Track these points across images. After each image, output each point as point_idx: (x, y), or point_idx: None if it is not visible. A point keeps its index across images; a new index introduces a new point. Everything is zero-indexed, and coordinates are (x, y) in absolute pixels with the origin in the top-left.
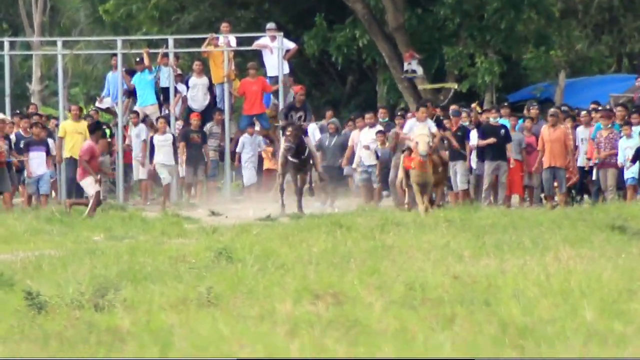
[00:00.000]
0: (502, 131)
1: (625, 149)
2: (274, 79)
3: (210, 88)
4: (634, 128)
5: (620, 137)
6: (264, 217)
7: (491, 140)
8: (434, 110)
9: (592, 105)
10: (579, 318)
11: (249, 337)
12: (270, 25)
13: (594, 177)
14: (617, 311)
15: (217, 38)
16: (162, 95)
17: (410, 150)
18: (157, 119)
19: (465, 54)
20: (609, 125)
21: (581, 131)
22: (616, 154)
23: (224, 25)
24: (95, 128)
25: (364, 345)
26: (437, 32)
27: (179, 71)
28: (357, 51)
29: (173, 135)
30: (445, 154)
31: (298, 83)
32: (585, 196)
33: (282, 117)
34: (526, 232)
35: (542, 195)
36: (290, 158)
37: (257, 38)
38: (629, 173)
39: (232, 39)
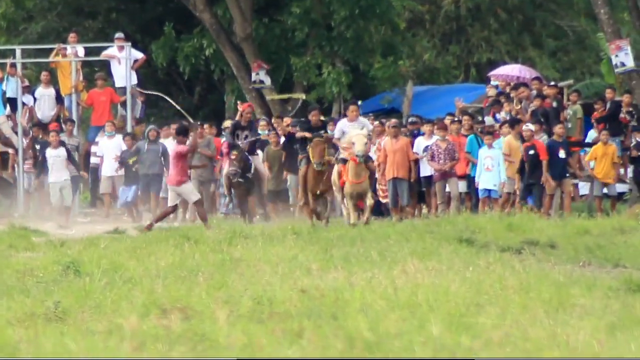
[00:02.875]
0: None
1: (485, 158)
2: (122, 90)
3: (58, 98)
4: (502, 138)
5: (482, 147)
6: (112, 230)
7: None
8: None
9: (448, 117)
10: (426, 332)
11: (96, 352)
12: (118, 35)
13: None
14: (464, 325)
15: (65, 48)
16: (10, 106)
17: (344, 160)
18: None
19: (313, 64)
20: (445, 137)
21: (422, 142)
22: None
23: (71, 36)
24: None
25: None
26: (285, 42)
27: (27, 82)
28: (205, 61)
29: (66, 148)
30: (373, 164)
31: (144, 93)
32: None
33: (228, 137)
34: (374, 244)
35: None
36: (233, 180)
37: (105, 48)
38: (483, 184)
39: (80, 49)
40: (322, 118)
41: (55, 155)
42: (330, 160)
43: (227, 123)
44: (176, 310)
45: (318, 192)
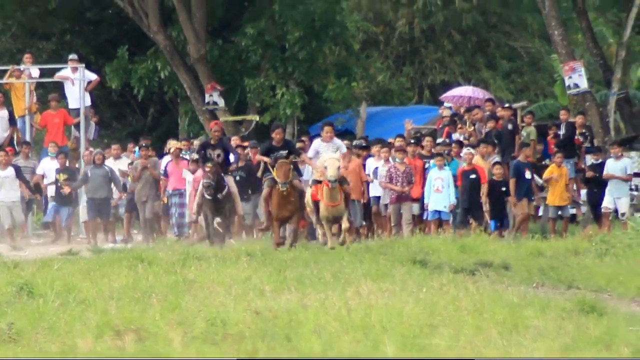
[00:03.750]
0: None
1: (435, 179)
2: (76, 111)
3: (11, 120)
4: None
5: (431, 168)
6: (65, 252)
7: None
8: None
9: (398, 139)
10: (380, 353)
11: None
12: (72, 56)
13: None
14: (418, 346)
15: (19, 69)
16: None
17: (317, 182)
18: None
19: (267, 86)
20: (403, 159)
21: (372, 163)
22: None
23: (26, 57)
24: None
25: None
26: (239, 63)
27: None
28: (158, 83)
29: (15, 166)
30: (348, 187)
31: (97, 114)
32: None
33: (199, 157)
34: (328, 266)
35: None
36: (206, 195)
37: (59, 69)
38: (433, 206)
39: (35, 71)
40: (285, 137)
41: (4, 176)
42: (295, 183)
43: (173, 143)
44: (130, 331)
45: (283, 216)
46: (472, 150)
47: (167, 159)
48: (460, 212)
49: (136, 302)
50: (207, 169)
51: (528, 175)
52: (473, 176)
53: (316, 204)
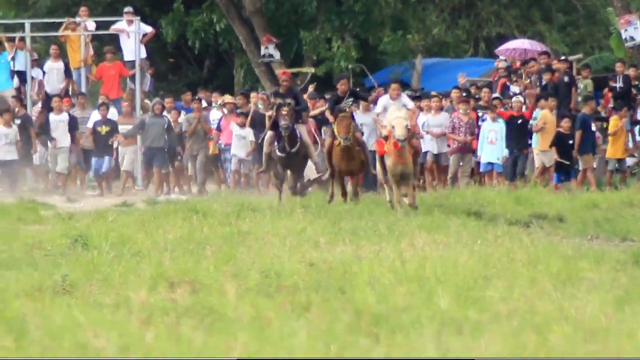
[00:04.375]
0: None
1: (488, 132)
2: (131, 63)
3: (67, 72)
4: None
5: (484, 120)
6: (120, 204)
7: None
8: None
9: (455, 90)
10: (434, 305)
11: (104, 325)
12: (128, 9)
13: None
14: (472, 298)
15: (75, 22)
16: (19, 79)
17: (385, 137)
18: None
19: (322, 38)
20: (467, 110)
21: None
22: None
23: (82, 10)
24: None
25: (219, 333)
26: (295, 16)
27: (36, 56)
28: (214, 35)
29: (69, 114)
30: (417, 141)
31: (152, 67)
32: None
33: (270, 105)
34: (382, 218)
35: None
36: (278, 152)
37: (115, 22)
38: (486, 158)
39: (90, 23)
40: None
41: (58, 120)
42: (357, 136)
43: (228, 98)
44: (184, 283)
45: (346, 169)
46: (520, 98)
47: (218, 113)
48: (509, 161)
49: (190, 254)
50: (284, 112)
51: (594, 127)
52: (520, 121)
53: (382, 159)
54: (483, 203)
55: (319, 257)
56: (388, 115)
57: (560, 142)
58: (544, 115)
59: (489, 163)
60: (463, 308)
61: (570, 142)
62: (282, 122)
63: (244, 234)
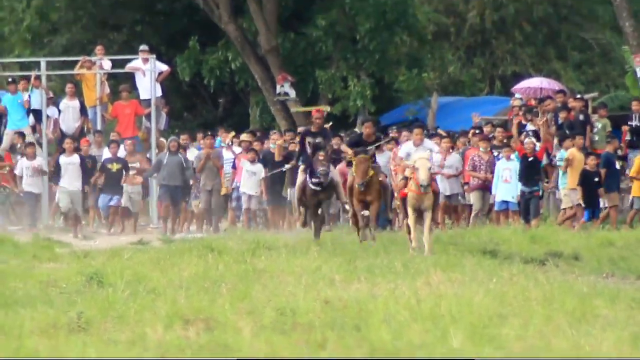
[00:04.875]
0: None
1: (503, 170)
2: (147, 102)
3: (82, 110)
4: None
5: (499, 159)
6: (136, 241)
7: None
8: None
9: (473, 132)
10: (449, 343)
11: None
12: (143, 47)
13: (471, 201)
14: (487, 336)
15: (91, 60)
16: (34, 117)
17: (406, 178)
18: (26, 144)
19: (338, 77)
20: (488, 149)
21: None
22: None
23: (98, 48)
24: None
25: None
26: (311, 54)
27: (51, 94)
28: (229, 74)
29: (81, 156)
30: (435, 184)
31: (168, 105)
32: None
33: (299, 145)
34: (397, 256)
35: None
36: (312, 186)
37: (130, 60)
38: (501, 196)
39: (106, 62)
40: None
41: (68, 162)
42: (382, 180)
43: (244, 136)
44: (199, 321)
45: (366, 199)
46: (534, 139)
47: (229, 152)
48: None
49: (205, 292)
50: (321, 157)
51: (617, 166)
52: (531, 159)
53: (404, 201)
54: (498, 242)
55: (334, 294)
56: (412, 157)
57: (585, 180)
58: (572, 153)
59: (504, 201)
60: (478, 346)
61: (596, 179)
62: (321, 169)
63: (259, 271)
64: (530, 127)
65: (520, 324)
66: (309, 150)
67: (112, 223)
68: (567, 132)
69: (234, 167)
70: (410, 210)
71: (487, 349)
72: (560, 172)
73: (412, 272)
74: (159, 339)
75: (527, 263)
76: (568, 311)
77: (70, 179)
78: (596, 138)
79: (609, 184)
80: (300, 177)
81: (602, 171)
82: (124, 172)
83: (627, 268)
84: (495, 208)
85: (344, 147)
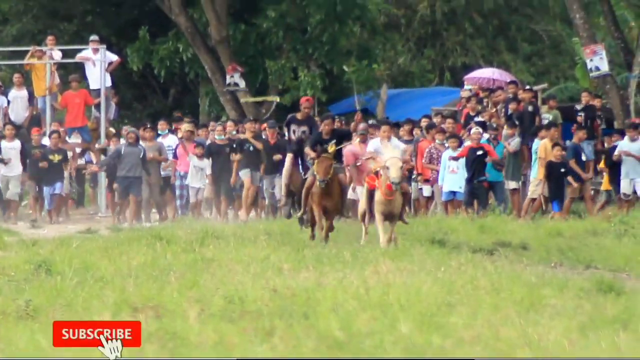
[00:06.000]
0: None
1: (449, 160)
2: (97, 92)
3: (30, 100)
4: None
5: (446, 149)
6: (84, 230)
7: None
8: None
9: (424, 120)
10: (397, 331)
11: (68, 349)
12: (93, 37)
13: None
14: (435, 324)
15: (41, 50)
16: None
17: (376, 173)
18: None
19: (288, 68)
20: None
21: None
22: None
23: (49, 38)
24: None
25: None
26: (261, 45)
27: (0, 83)
28: (179, 64)
29: (22, 143)
30: (406, 185)
31: (117, 95)
32: None
33: (285, 133)
34: (346, 245)
35: None
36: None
37: (80, 51)
38: (448, 187)
39: (56, 52)
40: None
41: (9, 147)
42: (339, 178)
43: (186, 126)
44: (148, 309)
45: (322, 209)
46: (480, 130)
47: (174, 139)
48: (466, 191)
49: (154, 280)
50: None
51: (584, 157)
52: (480, 152)
53: (371, 193)
54: (447, 231)
55: (283, 283)
56: (382, 155)
57: (552, 172)
58: (544, 146)
59: (452, 192)
60: (426, 334)
61: (562, 170)
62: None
63: (207, 260)
64: (478, 118)
65: (469, 312)
66: (293, 137)
67: (57, 212)
68: (517, 123)
69: (175, 157)
70: (378, 216)
71: (435, 338)
72: (533, 164)
73: (360, 261)
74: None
75: (475, 252)
76: (516, 300)
77: (12, 164)
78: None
79: (577, 174)
80: (286, 164)
81: (571, 162)
82: (64, 163)
83: (576, 258)
84: (443, 198)
85: (307, 150)
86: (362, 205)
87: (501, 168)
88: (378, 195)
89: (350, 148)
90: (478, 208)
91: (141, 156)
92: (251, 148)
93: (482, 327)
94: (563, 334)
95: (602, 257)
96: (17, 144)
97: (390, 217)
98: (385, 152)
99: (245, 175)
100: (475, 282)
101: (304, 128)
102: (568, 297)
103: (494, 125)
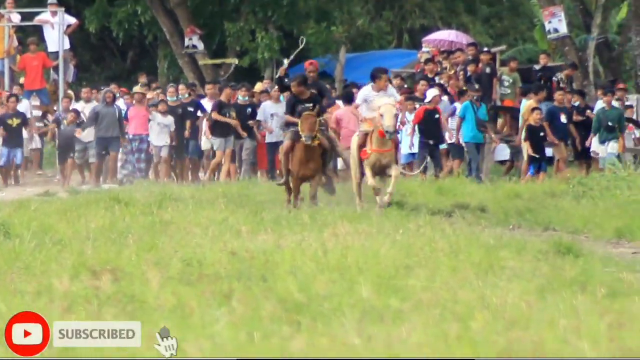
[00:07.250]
0: None
1: (408, 122)
2: (55, 54)
3: None
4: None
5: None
6: (42, 193)
7: None
8: None
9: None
10: (356, 294)
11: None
12: (52, 0)
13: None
14: (394, 287)
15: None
16: None
17: (365, 134)
18: None
19: (246, 30)
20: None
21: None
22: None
23: (8, 1)
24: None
25: (141, 321)
26: (219, 7)
27: None
28: (138, 27)
29: None
30: (397, 137)
31: (76, 57)
32: None
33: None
34: (305, 207)
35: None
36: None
37: (39, 13)
38: (406, 149)
39: (15, 15)
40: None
41: None
42: (320, 139)
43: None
44: (106, 271)
45: (304, 174)
46: (436, 91)
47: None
48: (419, 154)
49: (112, 243)
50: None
51: (563, 119)
52: (437, 116)
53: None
54: (405, 193)
55: (241, 246)
56: (374, 103)
57: (531, 134)
58: (528, 107)
59: (411, 154)
60: (385, 296)
61: (542, 134)
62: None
63: (166, 223)
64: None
65: (427, 275)
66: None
67: (16, 176)
68: (476, 85)
69: (126, 118)
70: (368, 172)
71: (393, 300)
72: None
73: (319, 223)
74: (65, 289)
75: (433, 214)
76: (474, 262)
77: None
78: (509, 91)
79: (554, 136)
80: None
81: (546, 124)
82: (24, 126)
83: (534, 220)
84: (402, 161)
85: (288, 118)
86: (353, 167)
87: (485, 129)
88: (371, 154)
89: (338, 113)
90: (436, 170)
91: (117, 116)
92: (227, 114)
93: (440, 290)
94: (521, 296)
95: (560, 219)
96: None
97: (381, 173)
98: (377, 100)
99: (219, 146)
100: (433, 245)
101: (313, 90)
102: (526, 260)
103: (476, 87)
